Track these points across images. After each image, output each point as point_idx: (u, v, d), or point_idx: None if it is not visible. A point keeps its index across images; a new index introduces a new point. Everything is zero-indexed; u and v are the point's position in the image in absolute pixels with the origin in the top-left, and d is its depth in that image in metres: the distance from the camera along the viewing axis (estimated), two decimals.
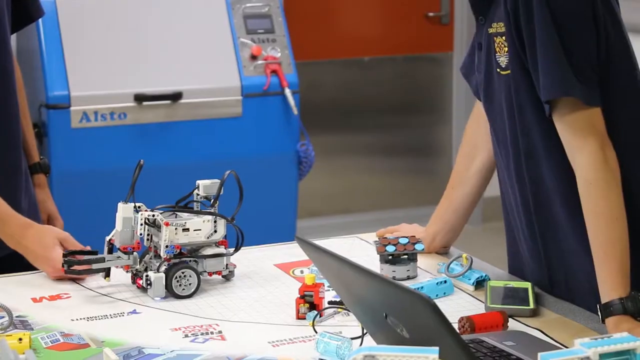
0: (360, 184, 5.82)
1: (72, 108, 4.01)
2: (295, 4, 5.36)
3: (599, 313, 1.86)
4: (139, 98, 4.09)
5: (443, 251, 2.36)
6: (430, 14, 5.67)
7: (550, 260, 2.07)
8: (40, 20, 3.98)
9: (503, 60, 1.98)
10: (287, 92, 4.29)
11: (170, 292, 2.07)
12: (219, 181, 2.14)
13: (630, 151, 1.94)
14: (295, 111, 4.30)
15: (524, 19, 1.90)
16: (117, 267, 2.11)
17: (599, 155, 1.86)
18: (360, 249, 2.39)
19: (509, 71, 1.97)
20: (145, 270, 2.10)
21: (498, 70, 2.00)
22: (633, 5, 5.17)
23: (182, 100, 4.16)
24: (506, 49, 1.97)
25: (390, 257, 2.17)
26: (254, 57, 4.28)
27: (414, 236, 2.21)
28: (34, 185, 2.63)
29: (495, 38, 1.99)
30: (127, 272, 2.12)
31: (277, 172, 4.38)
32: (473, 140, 2.27)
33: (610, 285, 1.84)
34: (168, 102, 4.14)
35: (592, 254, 1.88)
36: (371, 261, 2.23)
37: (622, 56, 1.96)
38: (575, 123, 1.89)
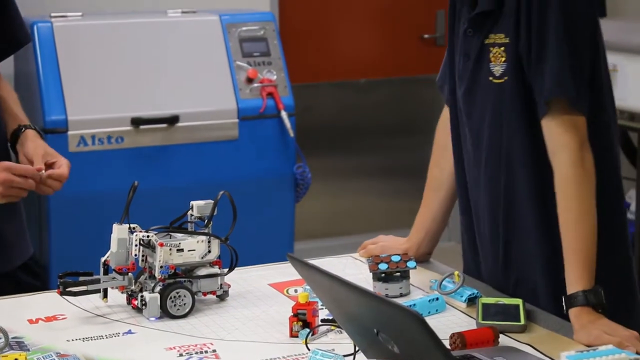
0: (358, 206, 5.83)
1: (69, 132, 4.04)
2: (291, 27, 5.40)
3: (564, 304, 1.96)
4: (136, 122, 4.12)
5: (426, 258, 2.42)
6: (426, 36, 5.70)
7: (511, 261, 2.17)
8: (37, 45, 4.04)
9: (498, 69, 2.08)
10: (283, 114, 4.32)
11: (165, 312, 2.09)
12: (213, 202, 2.16)
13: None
14: (291, 133, 4.32)
15: (535, 26, 2.01)
16: (112, 288, 2.13)
17: (577, 154, 1.99)
18: (354, 267, 2.41)
19: (502, 80, 2.08)
20: (141, 290, 2.12)
21: (491, 78, 2.10)
22: (626, 27, 5.21)
23: (179, 124, 4.19)
24: (503, 58, 2.08)
25: (382, 275, 2.19)
26: (250, 80, 4.31)
27: (406, 254, 2.24)
28: (23, 142, 2.55)
29: (491, 48, 2.09)
30: (122, 292, 2.14)
31: (274, 195, 4.40)
32: (444, 145, 2.36)
33: (575, 277, 1.96)
34: (165, 125, 4.17)
35: (563, 248, 1.99)
36: (365, 279, 2.25)
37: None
38: (563, 123, 2.00)
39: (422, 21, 5.68)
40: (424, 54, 5.73)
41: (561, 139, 2.00)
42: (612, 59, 5.05)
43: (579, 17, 2.01)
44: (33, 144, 2.53)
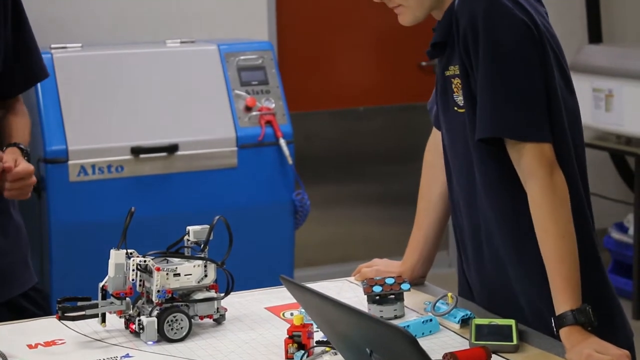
0: (357, 233, 5.86)
1: (70, 162, 4.08)
2: (289, 55, 5.45)
3: (553, 324, 1.98)
4: (136, 151, 4.16)
5: (420, 281, 2.45)
6: (423, 64, 5.75)
7: (495, 285, 2.20)
8: None
9: (461, 99, 2.11)
10: (282, 142, 4.36)
11: (163, 336, 2.11)
12: (209, 227, 2.20)
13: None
14: (290, 161, 4.36)
15: (474, 63, 2.03)
16: (110, 312, 2.15)
17: (547, 181, 2.00)
18: (350, 290, 2.44)
19: (463, 110, 2.10)
20: (138, 315, 2.14)
21: (456, 108, 2.13)
22: (621, 52, 5.25)
23: (178, 152, 4.23)
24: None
25: (377, 297, 2.22)
26: (248, 109, 4.35)
27: (400, 276, 2.27)
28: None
29: (452, 79, 2.12)
30: (120, 317, 2.17)
31: (273, 222, 4.43)
32: (433, 167, 2.39)
33: (562, 298, 1.98)
34: (164, 154, 4.21)
35: (546, 271, 2.01)
36: (360, 302, 2.28)
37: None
38: (527, 152, 2.02)
39: (419, 49, 5.70)
40: (421, 82, 5.78)
41: (528, 167, 2.02)
42: (607, 84, 5.10)
43: (510, 52, 2.00)
44: (8, 154, 2.58)
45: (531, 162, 2.01)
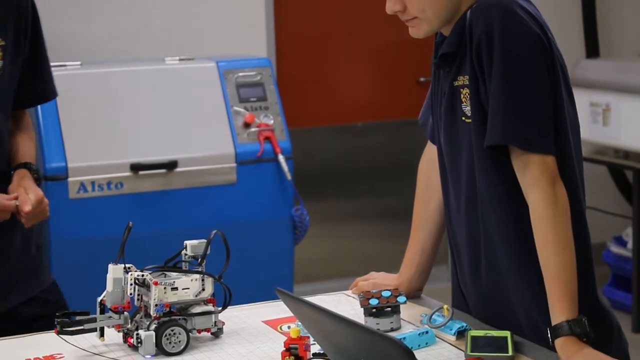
0: (357, 249, 5.87)
1: (69, 179, 4.09)
2: (288, 71, 5.47)
3: (549, 335, 2.00)
4: (135, 167, 4.17)
5: (417, 294, 2.46)
6: (422, 79, 5.77)
7: (492, 296, 2.21)
8: None
9: (469, 109, 2.13)
10: (281, 158, 4.38)
11: (161, 350, 2.13)
12: (206, 241, 2.21)
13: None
14: (289, 177, 4.38)
15: (487, 72, 2.05)
16: (108, 326, 2.17)
17: (549, 192, 2.03)
18: (347, 304, 2.45)
19: (471, 120, 2.12)
20: (136, 329, 2.16)
21: (463, 118, 2.15)
22: (618, 67, 5.28)
23: (178, 169, 4.24)
24: None
25: (373, 310, 2.23)
26: (247, 125, 4.38)
27: (397, 289, 2.28)
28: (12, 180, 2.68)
29: (461, 90, 2.14)
30: (118, 331, 2.19)
31: (272, 238, 4.44)
32: (428, 181, 2.41)
33: (558, 308, 1.99)
34: (164, 170, 4.23)
35: (544, 281, 2.03)
36: (357, 315, 2.30)
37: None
38: (531, 163, 2.04)
39: (417, 64, 5.75)
40: (420, 97, 5.75)
41: (532, 177, 2.04)
42: (605, 98, 5.12)
43: (524, 64, 2.03)
44: (17, 179, 2.67)
45: (535, 173, 2.03)
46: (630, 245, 5.25)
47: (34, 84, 2.80)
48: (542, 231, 2.03)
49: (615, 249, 5.40)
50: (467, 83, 2.11)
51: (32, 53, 2.77)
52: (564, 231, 2.02)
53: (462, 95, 2.14)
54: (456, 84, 2.15)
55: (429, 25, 2.14)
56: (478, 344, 2.07)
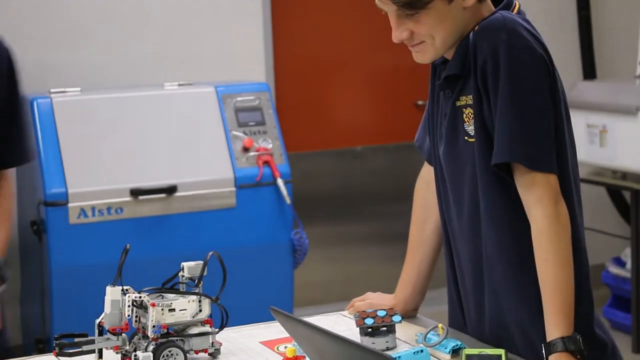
0: (356, 272, 5.87)
1: (69, 205, 4.12)
2: (286, 96, 5.51)
3: (543, 351, 2.02)
4: (135, 192, 4.20)
5: (413, 314, 2.48)
6: (420, 102, 5.80)
7: (492, 313, 2.22)
8: (37, 120, 4.14)
9: (471, 129, 2.16)
10: (280, 182, 4.40)
11: None
12: (203, 262, 2.24)
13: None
14: (288, 200, 4.40)
15: (492, 92, 2.09)
16: (107, 348, 2.19)
17: (552, 209, 2.06)
18: (344, 324, 2.47)
19: (474, 139, 2.15)
20: (134, 350, 2.18)
21: (466, 138, 2.18)
22: (615, 88, 5.30)
23: (177, 194, 4.27)
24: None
25: (369, 329, 2.25)
26: (246, 149, 4.41)
27: (392, 308, 2.30)
28: None
29: (464, 110, 2.17)
30: (117, 352, 2.21)
31: (272, 261, 4.46)
32: (425, 202, 2.43)
33: (554, 324, 2.02)
34: (163, 195, 4.25)
35: (542, 298, 2.06)
36: (353, 335, 2.31)
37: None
38: (537, 182, 2.08)
39: (415, 88, 5.79)
40: (418, 121, 5.78)
41: (535, 195, 2.07)
42: (602, 119, 5.15)
43: (529, 85, 2.08)
44: None
45: (539, 191, 2.06)
46: (629, 265, 5.26)
47: (14, 142, 2.72)
48: (543, 246, 2.06)
49: (614, 269, 5.42)
50: (470, 103, 2.15)
51: (7, 114, 2.69)
52: (564, 248, 2.05)
53: (464, 115, 2.17)
54: (458, 104, 2.19)
55: (434, 51, 2.17)
56: None
